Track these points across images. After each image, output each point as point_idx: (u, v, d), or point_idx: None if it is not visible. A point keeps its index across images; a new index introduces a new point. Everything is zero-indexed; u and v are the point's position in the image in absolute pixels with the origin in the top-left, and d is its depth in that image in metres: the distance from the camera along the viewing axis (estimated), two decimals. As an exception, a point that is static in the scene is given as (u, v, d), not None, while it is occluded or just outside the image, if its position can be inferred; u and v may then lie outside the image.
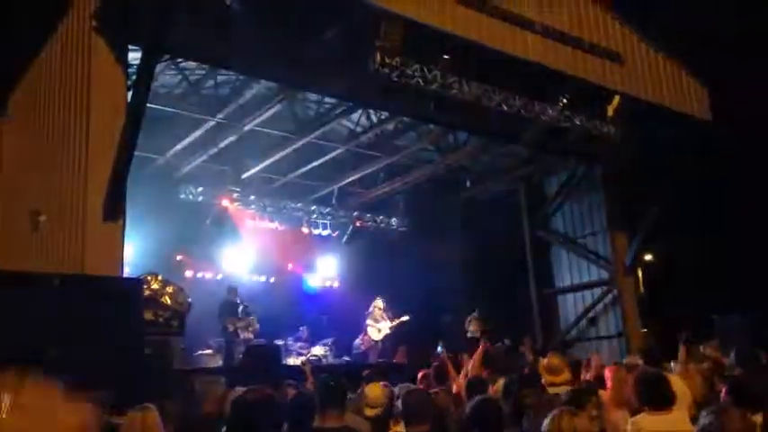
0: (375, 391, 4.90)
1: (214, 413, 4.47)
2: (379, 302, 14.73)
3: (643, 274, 16.87)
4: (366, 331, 14.61)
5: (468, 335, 14.61)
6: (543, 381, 5.05)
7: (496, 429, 3.76)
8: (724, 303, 14.55)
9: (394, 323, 14.58)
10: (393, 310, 14.89)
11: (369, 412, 4.75)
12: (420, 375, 6.88)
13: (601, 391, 5.18)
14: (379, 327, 14.49)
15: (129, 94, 9.21)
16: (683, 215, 15.25)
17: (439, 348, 10.58)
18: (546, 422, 2.89)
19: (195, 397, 4.63)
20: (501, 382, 5.57)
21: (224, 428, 2.97)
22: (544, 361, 5.16)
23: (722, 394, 4.73)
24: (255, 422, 2.90)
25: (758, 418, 3.45)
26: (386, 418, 4.74)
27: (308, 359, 12.68)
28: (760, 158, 16.12)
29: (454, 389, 6.35)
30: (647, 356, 7.46)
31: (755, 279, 15.76)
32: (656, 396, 3.96)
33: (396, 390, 4.94)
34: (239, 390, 4.55)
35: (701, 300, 16.53)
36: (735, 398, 4.16)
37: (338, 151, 15.16)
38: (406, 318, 14.67)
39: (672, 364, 6.15)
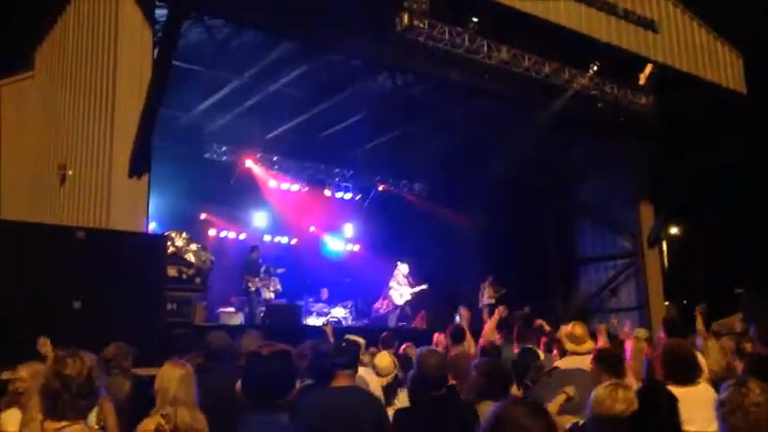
0: (384, 360, 4.95)
1: (236, 367, 4.53)
2: (403, 267, 14.74)
3: (668, 247, 16.67)
4: (388, 294, 14.65)
5: (483, 302, 14.58)
6: (566, 348, 5.04)
7: (504, 388, 3.89)
8: (749, 278, 14.39)
9: (414, 290, 14.62)
10: (413, 275, 14.92)
11: (380, 381, 4.80)
12: (435, 339, 6.88)
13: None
14: (401, 291, 14.54)
15: (156, 51, 9.19)
16: (712, 188, 14.99)
17: (457, 318, 10.60)
18: (599, 393, 2.93)
19: (211, 352, 4.69)
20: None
21: (239, 382, 3.00)
22: (567, 329, 5.13)
23: (740, 369, 4.69)
24: (270, 376, 2.92)
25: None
26: (395, 386, 4.82)
27: (328, 321, 12.80)
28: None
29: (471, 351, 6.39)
30: (668, 329, 7.41)
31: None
32: (682, 369, 3.92)
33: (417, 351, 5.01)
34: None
35: (726, 273, 16.35)
36: (753, 374, 4.11)
37: (363, 114, 15.04)
38: (424, 286, 14.69)
39: (698, 340, 6.08)
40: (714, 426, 2.87)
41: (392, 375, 4.87)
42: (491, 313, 8.31)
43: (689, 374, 3.91)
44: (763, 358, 4.89)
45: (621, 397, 2.89)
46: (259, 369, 2.94)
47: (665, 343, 4.34)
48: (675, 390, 3.75)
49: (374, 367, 4.95)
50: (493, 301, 14.38)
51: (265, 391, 2.89)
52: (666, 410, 3.42)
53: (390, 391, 4.77)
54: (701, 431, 3.63)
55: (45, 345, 4.29)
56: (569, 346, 5.01)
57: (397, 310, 14.60)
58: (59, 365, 2.62)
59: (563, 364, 4.94)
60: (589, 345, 5.06)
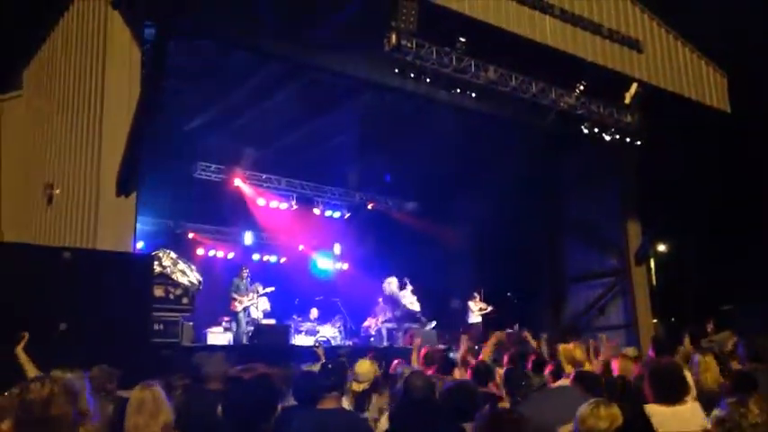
0: (364, 366, 4.96)
1: (219, 390, 4.49)
2: (393, 280, 14.66)
3: (656, 264, 16.72)
4: (403, 305, 14.48)
5: (470, 320, 14.57)
6: (564, 369, 5.01)
7: (466, 413, 3.82)
8: (738, 294, 14.44)
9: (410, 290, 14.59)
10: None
11: (356, 387, 4.80)
12: (423, 353, 6.79)
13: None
14: (410, 300, 14.47)
15: (144, 70, 9.20)
16: (699, 205, 15.06)
17: (451, 355, 10.56)
18: (582, 412, 2.95)
19: (200, 374, 4.65)
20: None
21: (219, 406, 2.98)
22: (567, 349, 5.11)
23: (726, 386, 4.67)
24: (252, 401, 2.90)
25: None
26: (370, 391, 4.82)
27: (319, 341, 12.73)
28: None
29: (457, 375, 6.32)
30: (657, 348, 7.40)
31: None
32: (669, 389, 3.86)
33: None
34: (238, 368, 4.60)
35: (714, 290, 16.41)
36: (738, 390, 4.09)
37: (351, 132, 15.07)
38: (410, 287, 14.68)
39: (695, 357, 6.06)
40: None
41: (370, 382, 4.87)
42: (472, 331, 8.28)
43: (676, 393, 3.84)
44: (746, 374, 4.90)
45: (604, 414, 2.91)
46: (241, 394, 2.92)
47: (650, 362, 4.30)
48: (663, 409, 3.71)
49: (354, 374, 4.94)
50: (479, 319, 14.41)
51: (248, 416, 2.87)
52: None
53: (364, 396, 4.77)
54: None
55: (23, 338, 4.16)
56: (568, 368, 4.97)
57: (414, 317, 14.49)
58: (23, 391, 2.54)
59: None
60: (587, 366, 5.05)
